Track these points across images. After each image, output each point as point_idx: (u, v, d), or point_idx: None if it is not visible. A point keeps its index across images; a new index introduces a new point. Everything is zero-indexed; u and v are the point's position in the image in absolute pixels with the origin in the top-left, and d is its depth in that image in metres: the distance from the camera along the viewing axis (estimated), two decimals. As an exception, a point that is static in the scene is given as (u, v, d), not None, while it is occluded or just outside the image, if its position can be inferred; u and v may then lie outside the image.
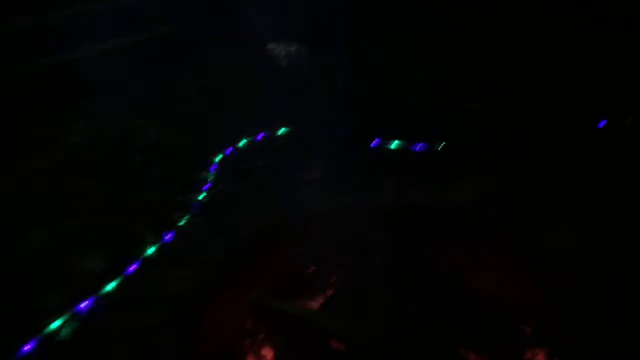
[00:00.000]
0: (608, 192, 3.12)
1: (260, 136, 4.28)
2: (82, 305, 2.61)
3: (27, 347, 2.38)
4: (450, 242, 3.06)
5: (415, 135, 3.99)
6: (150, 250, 3.00)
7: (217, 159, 3.98)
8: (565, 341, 2.44)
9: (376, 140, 4.03)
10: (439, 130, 4.06)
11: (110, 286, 2.75)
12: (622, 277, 2.41)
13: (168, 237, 3.11)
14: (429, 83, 4.91)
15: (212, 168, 3.86)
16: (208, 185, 3.64)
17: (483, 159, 3.68)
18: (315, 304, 3.04)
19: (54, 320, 2.52)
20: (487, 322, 2.74)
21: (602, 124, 3.82)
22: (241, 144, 4.20)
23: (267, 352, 2.85)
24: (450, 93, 4.71)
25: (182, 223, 3.26)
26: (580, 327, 2.33)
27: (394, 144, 3.98)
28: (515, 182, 3.37)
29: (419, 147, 3.93)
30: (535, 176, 3.40)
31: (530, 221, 2.94)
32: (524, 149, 3.74)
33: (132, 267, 2.88)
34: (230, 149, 4.11)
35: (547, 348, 2.65)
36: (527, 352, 2.67)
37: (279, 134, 4.32)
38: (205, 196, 3.53)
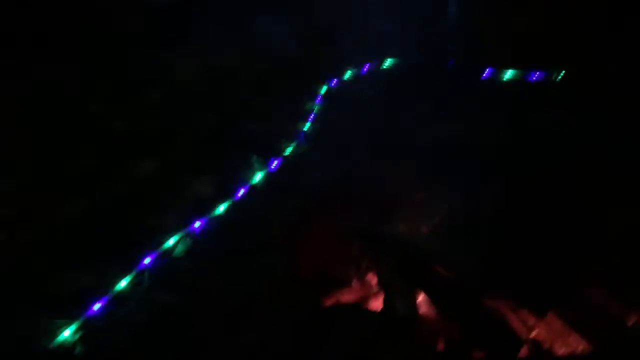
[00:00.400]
0: None
1: (366, 67, 4.18)
2: (195, 225, 2.73)
3: (147, 261, 2.53)
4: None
5: (530, 64, 3.72)
6: (258, 177, 3.06)
7: (323, 90, 3.95)
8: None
9: (489, 70, 3.81)
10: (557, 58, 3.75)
11: (221, 209, 2.84)
12: None
13: (274, 165, 3.16)
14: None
15: (317, 99, 3.84)
16: (313, 115, 3.64)
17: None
18: (422, 230, 3.00)
19: (169, 237, 2.66)
20: (610, 255, 2.56)
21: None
22: (346, 75, 4.13)
23: (372, 278, 2.86)
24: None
25: (287, 152, 3.29)
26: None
27: (508, 74, 3.75)
28: None
29: (536, 76, 3.67)
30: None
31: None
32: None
33: (241, 192, 2.96)
34: (336, 80, 4.05)
35: None
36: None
37: (386, 65, 4.21)
38: (310, 126, 3.53)
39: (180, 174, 3.24)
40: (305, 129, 3.53)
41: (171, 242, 2.64)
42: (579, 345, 2.37)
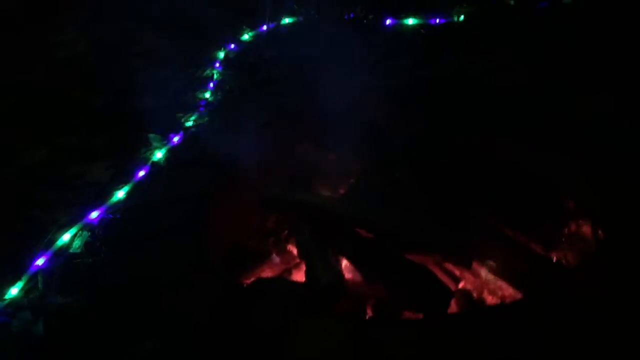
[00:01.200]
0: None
1: (263, 28, 3.96)
2: (93, 215, 2.47)
3: (40, 262, 2.26)
4: (475, 115, 2.83)
5: (432, 8, 3.64)
6: (158, 155, 2.82)
7: (221, 55, 3.71)
8: (608, 213, 2.24)
9: (390, 19, 3.70)
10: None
11: (120, 194, 2.59)
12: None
13: (175, 140, 2.92)
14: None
15: (216, 65, 3.59)
16: (213, 82, 3.40)
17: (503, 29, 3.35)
18: (337, 193, 2.88)
19: (64, 232, 2.39)
20: (524, 196, 2.55)
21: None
22: (244, 37, 3.90)
23: (293, 248, 2.73)
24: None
25: (189, 124, 3.05)
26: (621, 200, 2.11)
27: (410, 21, 3.65)
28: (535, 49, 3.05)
29: (437, 21, 3.59)
30: (563, 45, 3.06)
31: (560, 85, 2.65)
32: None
33: (140, 174, 2.71)
34: (233, 44, 3.81)
35: (591, 219, 2.47)
36: (572, 225, 2.49)
37: (284, 23, 4.00)
38: (211, 94, 3.29)
39: (72, 160, 2.96)
40: (206, 97, 3.29)
41: (66, 237, 2.37)
42: (506, 290, 2.36)
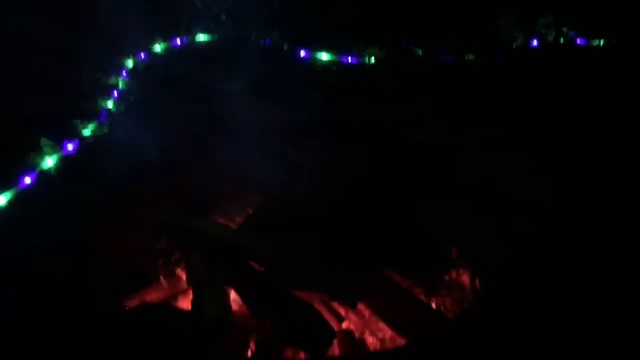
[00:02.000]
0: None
1: (177, 41, 3.89)
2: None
3: None
4: (380, 161, 2.94)
5: (345, 46, 3.75)
6: (49, 162, 2.67)
7: (129, 63, 3.60)
8: (489, 263, 2.40)
9: (305, 51, 3.76)
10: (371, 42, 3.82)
11: (1, 201, 2.43)
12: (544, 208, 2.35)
13: (70, 148, 2.79)
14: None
15: (122, 73, 3.48)
16: (118, 91, 3.29)
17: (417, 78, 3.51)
18: (234, 223, 2.87)
19: None
20: (411, 242, 2.67)
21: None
22: (157, 48, 3.81)
23: (182, 273, 2.68)
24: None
25: (87, 133, 2.92)
26: (503, 250, 2.27)
27: (324, 56, 3.73)
28: (448, 105, 3.21)
29: (349, 59, 3.70)
30: (469, 102, 3.25)
31: (462, 145, 2.82)
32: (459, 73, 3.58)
33: (27, 180, 2.56)
34: (143, 53, 3.71)
35: (470, 269, 2.63)
36: (452, 273, 2.63)
37: (199, 40, 3.95)
38: (114, 104, 3.18)
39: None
40: (108, 106, 3.17)
41: None
42: (387, 332, 2.45)
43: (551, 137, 2.78)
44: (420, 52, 3.75)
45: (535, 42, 3.67)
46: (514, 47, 3.68)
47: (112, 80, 3.40)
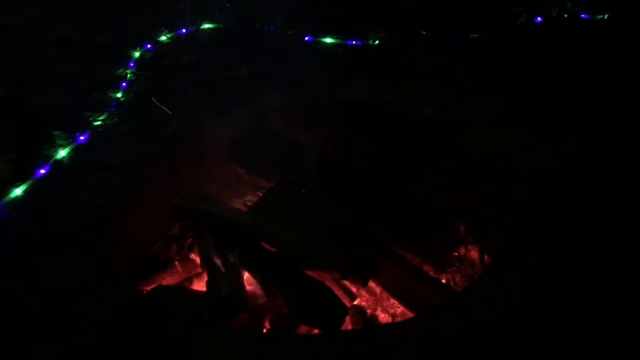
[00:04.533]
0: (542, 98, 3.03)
1: (182, 31, 3.93)
2: (-14, 212, 2.36)
3: None
4: (387, 140, 2.98)
5: (349, 30, 3.77)
6: (62, 152, 2.73)
7: (136, 54, 3.64)
8: (497, 239, 2.43)
9: (309, 36, 3.79)
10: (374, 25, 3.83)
11: (18, 191, 2.49)
12: (553, 182, 2.37)
13: (82, 138, 2.84)
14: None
15: (130, 64, 3.52)
16: (126, 82, 3.33)
17: (420, 59, 3.51)
18: (244, 206, 2.92)
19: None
20: (421, 220, 2.71)
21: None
22: (162, 38, 3.85)
23: (196, 257, 2.74)
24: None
25: (97, 123, 2.97)
26: (511, 227, 2.29)
27: (328, 39, 3.76)
28: (454, 84, 3.22)
29: (353, 42, 3.72)
30: (474, 80, 3.26)
31: (468, 122, 2.83)
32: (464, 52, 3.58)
33: (42, 171, 2.62)
34: (150, 44, 3.75)
35: (479, 245, 2.67)
36: (461, 249, 2.68)
37: (204, 28, 3.99)
38: (123, 95, 3.22)
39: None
40: (118, 97, 3.22)
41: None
42: (398, 308, 2.50)
43: (556, 111, 2.80)
44: (424, 32, 3.77)
45: (539, 19, 3.68)
46: (518, 23, 3.68)
47: (120, 71, 3.44)
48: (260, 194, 2.90)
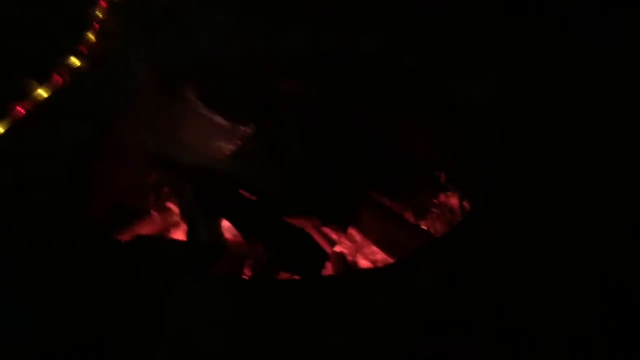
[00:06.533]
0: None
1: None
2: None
3: None
4: (366, 90, 2.93)
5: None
6: (32, 100, 2.63)
7: (107, -4, 3.49)
8: (476, 187, 2.43)
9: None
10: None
11: (-14, 139, 2.41)
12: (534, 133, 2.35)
13: (52, 86, 2.74)
14: None
15: (101, 3, 3.37)
16: (98, 24, 3.19)
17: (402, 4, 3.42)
18: (222, 154, 2.87)
19: None
20: (401, 168, 2.70)
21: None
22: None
23: (173, 206, 2.70)
24: None
25: (67, 70, 2.86)
26: (490, 176, 2.28)
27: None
28: (435, 31, 3.15)
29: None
30: (455, 27, 3.18)
31: (450, 69, 2.78)
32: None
33: (15, 118, 2.53)
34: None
35: (459, 192, 2.68)
36: (441, 196, 2.68)
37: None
38: (95, 38, 3.10)
39: None
40: (88, 41, 3.09)
41: None
42: (378, 254, 2.51)
43: (539, 60, 2.76)
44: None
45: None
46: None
47: (90, 12, 3.29)
48: (239, 142, 2.84)
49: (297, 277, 2.21)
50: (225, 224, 2.44)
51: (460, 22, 3.14)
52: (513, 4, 3.21)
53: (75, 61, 2.90)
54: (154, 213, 2.66)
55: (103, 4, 3.37)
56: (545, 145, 2.24)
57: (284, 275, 2.26)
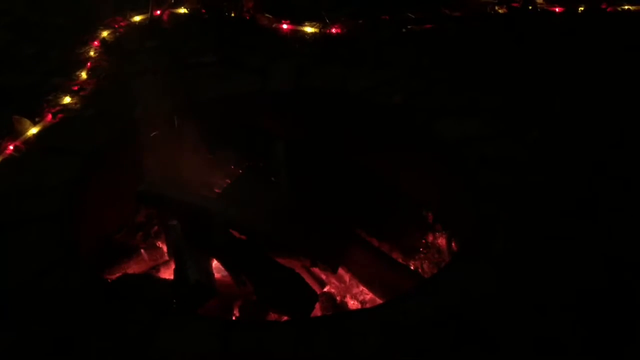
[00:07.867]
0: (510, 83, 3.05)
1: (148, 14, 3.83)
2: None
3: None
4: (353, 128, 2.97)
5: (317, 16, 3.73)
6: (20, 138, 2.64)
7: (104, 34, 3.54)
8: (464, 226, 2.45)
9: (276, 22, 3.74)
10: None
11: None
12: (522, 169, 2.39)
13: (42, 123, 2.75)
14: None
15: (95, 44, 3.42)
16: (91, 64, 3.23)
17: (388, 45, 3.49)
18: (214, 192, 2.88)
19: None
20: (389, 207, 2.73)
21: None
22: (126, 21, 3.75)
23: (162, 245, 2.69)
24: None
25: (59, 107, 2.88)
26: (478, 215, 2.31)
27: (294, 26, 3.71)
28: (420, 71, 3.20)
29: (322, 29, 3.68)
30: (440, 67, 3.25)
31: (435, 110, 2.83)
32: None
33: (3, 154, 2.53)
34: (115, 26, 3.66)
35: (446, 232, 2.70)
36: (429, 236, 2.70)
37: (172, 11, 3.90)
38: (87, 77, 3.13)
39: None
40: (81, 80, 3.12)
41: None
42: (367, 295, 2.50)
43: (526, 98, 2.82)
44: (391, 19, 3.73)
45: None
46: (489, 12, 3.70)
47: (84, 52, 3.34)
48: (229, 181, 2.86)
49: (285, 317, 2.19)
50: (215, 263, 2.43)
51: (449, 63, 3.21)
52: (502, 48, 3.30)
53: (66, 98, 2.93)
54: (143, 251, 2.64)
55: (96, 44, 3.43)
56: (531, 181, 2.27)
57: (273, 316, 2.25)
